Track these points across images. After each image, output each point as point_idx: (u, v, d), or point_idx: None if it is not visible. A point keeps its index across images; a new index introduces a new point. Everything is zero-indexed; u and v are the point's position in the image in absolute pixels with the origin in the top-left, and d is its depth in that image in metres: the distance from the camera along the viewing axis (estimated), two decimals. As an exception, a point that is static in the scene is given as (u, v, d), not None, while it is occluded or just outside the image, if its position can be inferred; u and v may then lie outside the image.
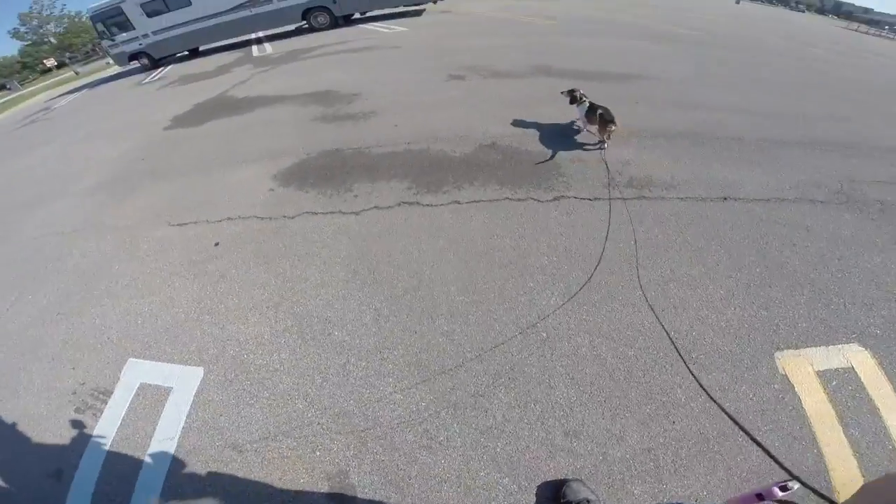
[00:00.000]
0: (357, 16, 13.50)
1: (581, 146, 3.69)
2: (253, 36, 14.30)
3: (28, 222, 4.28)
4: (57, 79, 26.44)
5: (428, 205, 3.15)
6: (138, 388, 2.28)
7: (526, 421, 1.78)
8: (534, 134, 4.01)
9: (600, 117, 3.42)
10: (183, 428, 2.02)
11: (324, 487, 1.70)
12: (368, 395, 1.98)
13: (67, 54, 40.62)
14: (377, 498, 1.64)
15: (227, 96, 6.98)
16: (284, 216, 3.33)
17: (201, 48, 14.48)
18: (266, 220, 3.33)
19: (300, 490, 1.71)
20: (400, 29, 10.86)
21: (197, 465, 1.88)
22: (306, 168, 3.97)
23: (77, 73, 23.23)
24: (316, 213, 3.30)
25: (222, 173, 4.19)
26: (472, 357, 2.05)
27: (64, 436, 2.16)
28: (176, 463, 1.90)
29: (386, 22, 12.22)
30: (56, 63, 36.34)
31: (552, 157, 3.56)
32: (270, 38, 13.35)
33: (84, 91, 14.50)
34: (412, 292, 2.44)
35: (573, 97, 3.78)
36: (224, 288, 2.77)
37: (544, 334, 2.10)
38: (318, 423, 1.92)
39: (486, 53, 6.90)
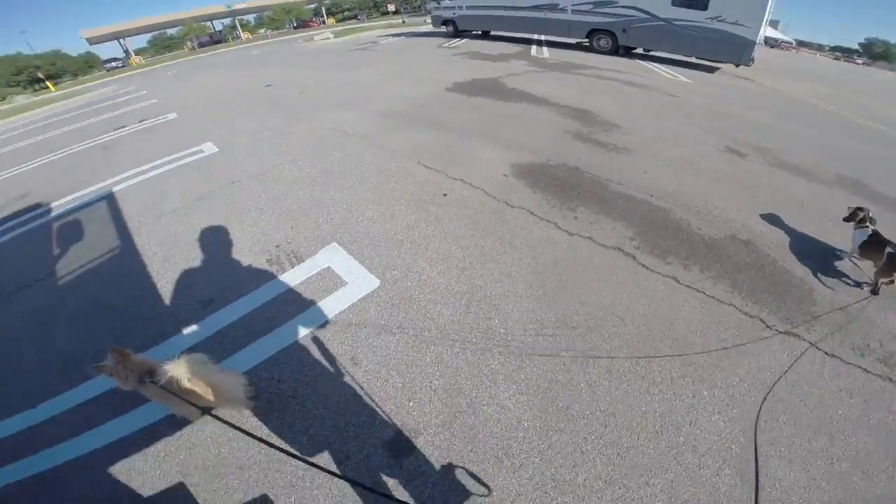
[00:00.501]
0: (640, 50, 13.12)
1: (843, 277, 2.89)
2: (535, 37, 15.38)
3: (327, 119, 5.78)
4: (390, 21, 33.51)
5: (643, 265, 2.96)
6: (324, 269, 2.90)
7: None
8: (803, 249, 3.30)
9: (888, 257, 2.56)
10: (330, 320, 2.47)
11: (392, 429, 1.85)
12: (484, 395, 2.04)
13: (404, 4, 50.78)
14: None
15: (500, 82, 7.77)
16: (507, 202, 3.58)
17: (493, 32, 16.24)
18: (490, 198, 3.64)
19: (378, 413, 1.92)
20: (683, 79, 10.13)
21: (313, 355, 2.28)
22: (543, 172, 4.16)
23: (404, 22, 29.00)
24: (534, 214, 3.45)
25: (473, 144, 4.74)
26: (594, 433, 1.89)
27: (239, 274, 2.92)
28: (297, 345, 2.35)
29: (670, 66, 11.55)
30: (394, 9, 46.44)
31: (808, 283, 2.88)
32: (550, 45, 14.16)
33: (402, 38, 18.08)
34: (584, 331, 2.37)
35: (855, 216, 2.94)
36: (433, 230, 3.20)
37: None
38: (432, 381, 2.09)
39: (779, 136, 5.91)
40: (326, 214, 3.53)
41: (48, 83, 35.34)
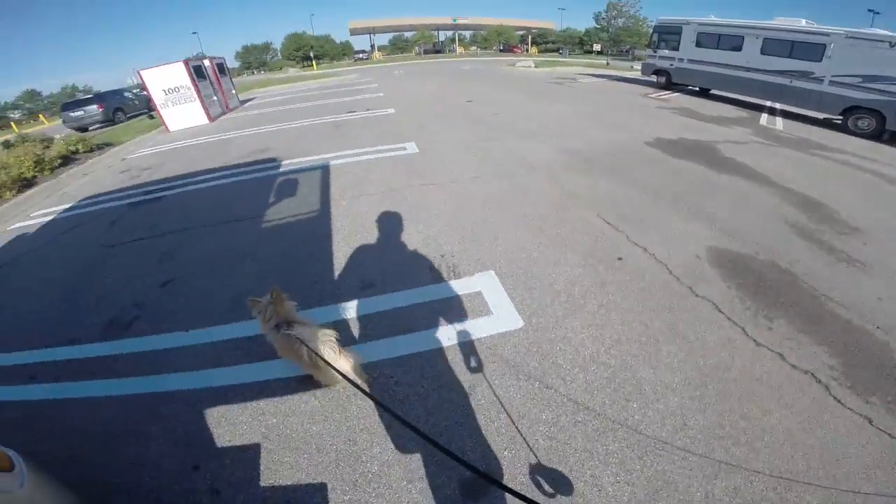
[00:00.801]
0: (920, 141, 10.05)
1: None
2: (768, 104, 13.18)
3: (516, 144, 6.09)
4: (592, 60, 33.34)
5: (835, 398, 2.17)
6: (475, 292, 2.89)
7: None
8: None
9: None
10: (463, 344, 2.44)
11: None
12: (586, 471, 1.72)
13: (612, 46, 50.00)
14: None
15: (714, 147, 6.87)
16: (691, 289, 3.08)
17: (713, 91, 14.57)
18: (673, 278, 3.19)
19: (471, 448, 1.76)
20: None
21: (436, 370, 2.30)
22: (745, 265, 3.47)
23: (608, 64, 28.51)
24: (720, 311, 2.88)
25: (667, 210, 4.25)
26: None
27: (401, 270, 3.16)
28: (425, 355, 2.38)
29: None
30: (599, 49, 46.04)
31: None
32: (786, 115, 11.95)
33: (604, 79, 17.71)
34: (730, 443, 1.84)
35: None
36: (596, 291, 2.95)
37: None
38: (538, 438, 1.83)
39: None
40: (493, 239, 3.60)
41: (313, 62, 45.22)
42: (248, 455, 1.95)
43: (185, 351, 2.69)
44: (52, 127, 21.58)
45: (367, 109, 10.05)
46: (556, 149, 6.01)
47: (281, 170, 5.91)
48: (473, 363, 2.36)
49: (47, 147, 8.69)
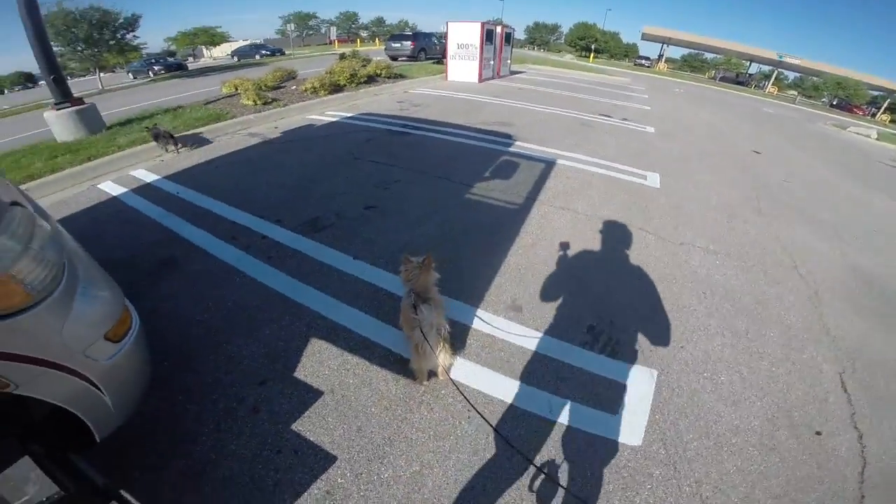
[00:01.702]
0: None
1: None
2: None
3: (794, 234, 4.27)
4: None
5: None
6: (619, 384, 2.00)
7: None
8: None
9: None
10: (576, 429, 1.78)
11: None
12: None
13: None
14: None
15: None
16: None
17: None
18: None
19: None
20: None
21: (539, 441, 1.67)
22: None
23: None
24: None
25: None
26: None
27: (558, 315, 2.55)
28: (540, 421, 1.78)
29: None
30: None
31: None
32: None
33: None
34: None
35: None
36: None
37: None
38: None
39: None
40: (681, 347, 2.58)
41: (591, 54, 44.35)
42: (307, 397, 2.00)
43: (340, 275, 2.91)
44: (371, 50, 27.12)
45: (624, 119, 9.07)
46: (846, 263, 3.93)
47: (509, 149, 5.90)
48: (587, 459, 1.75)
49: (364, 65, 10.98)
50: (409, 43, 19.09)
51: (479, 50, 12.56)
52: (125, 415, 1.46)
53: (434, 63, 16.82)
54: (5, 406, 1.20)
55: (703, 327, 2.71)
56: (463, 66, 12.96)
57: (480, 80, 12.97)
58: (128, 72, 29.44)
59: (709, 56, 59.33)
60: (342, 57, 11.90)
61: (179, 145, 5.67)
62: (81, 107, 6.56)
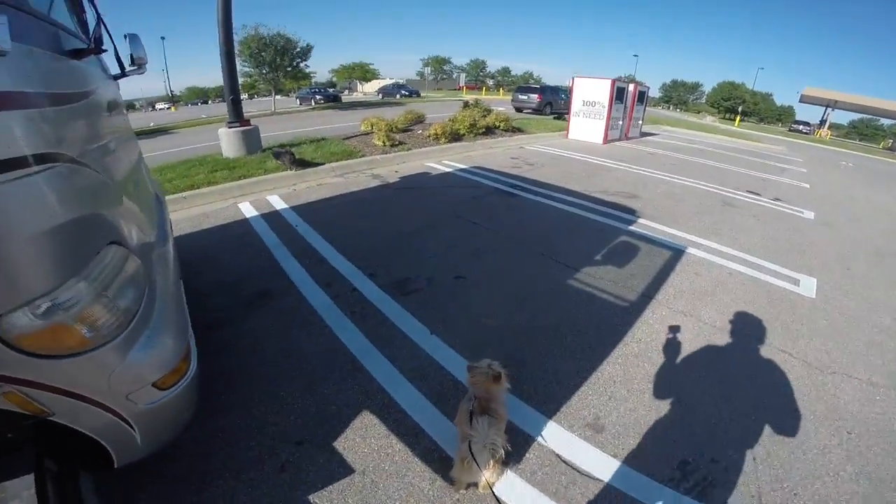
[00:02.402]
0: None
1: None
2: None
3: None
4: None
5: None
6: None
7: None
8: None
9: None
10: None
11: None
12: None
13: None
14: None
15: None
16: None
17: None
18: None
19: None
20: None
21: None
22: None
23: None
24: None
25: None
26: None
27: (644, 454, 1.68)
28: None
29: None
30: None
31: None
32: None
33: None
34: None
35: None
36: None
37: None
38: None
39: None
40: (797, 483, 1.77)
41: (738, 117, 40.00)
42: (336, 471, 1.89)
43: (412, 348, 2.74)
44: (495, 99, 28.12)
45: (776, 199, 7.50)
46: None
47: (630, 227, 5.15)
48: None
49: (484, 116, 11.22)
50: (535, 96, 19.33)
51: (606, 109, 11.88)
52: (152, 450, 1.44)
53: (555, 118, 16.59)
54: (36, 425, 1.19)
55: (834, 472, 2.01)
56: (587, 125, 12.35)
57: (605, 141, 12.15)
58: (296, 98, 35.19)
59: (885, 122, 48.94)
60: (465, 105, 12.36)
61: (294, 166, 6.66)
62: (248, 128, 7.70)
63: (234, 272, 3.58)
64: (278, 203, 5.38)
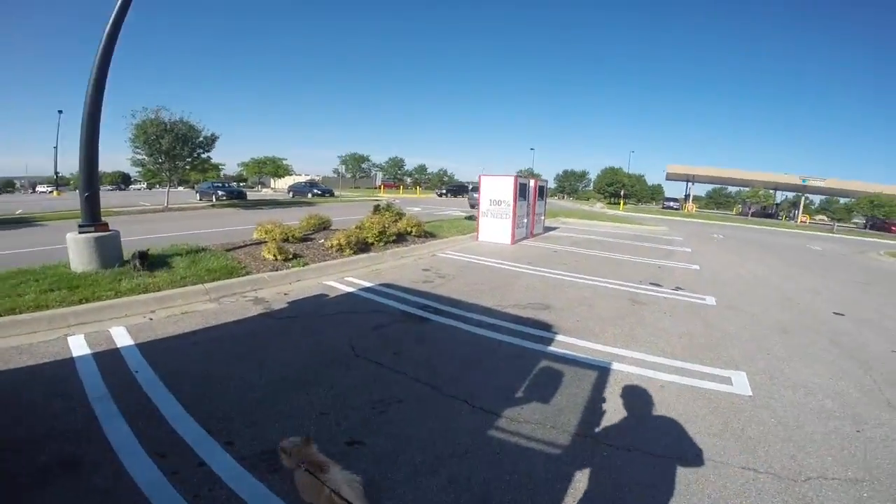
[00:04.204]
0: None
1: None
2: None
3: None
4: None
5: None
6: None
7: None
8: None
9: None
10: None
11: None
12: None
13: None
14: None
15: None
16: None
17: None
18: None
19: None
20: None
21: None
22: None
23: None
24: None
25: None
26: None
27: None
28: None
29: None
30: None
31: None
32: None
33: None
34: None
35: None
36: None
37: None
38: None
39: None
40: None
41: (621, 201, 46.30)
42: None
43: None
44: (411, 198, 29.12)
45: (677, 288, 7.89)
46: None
47: (549, 348, 4.67)
48: None
49: (395, 221, 10.97)
50: (476, 195, 20.63)
51: (511, 207, 12.23)
52: None
53: (466, 219, 17.16)
54: None
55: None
56: (495, 226, 12.56)
57: (513, 240, 12.35)
58: (196, 192, 32.71)
59: (732, 189, 60.04)
60: (376, 210, 12.13)
61: (141, 269, 6.05)
62: (104, 234, 6.33)
63: (33, 428, 2.78)
64: (122, 338, 4.34)
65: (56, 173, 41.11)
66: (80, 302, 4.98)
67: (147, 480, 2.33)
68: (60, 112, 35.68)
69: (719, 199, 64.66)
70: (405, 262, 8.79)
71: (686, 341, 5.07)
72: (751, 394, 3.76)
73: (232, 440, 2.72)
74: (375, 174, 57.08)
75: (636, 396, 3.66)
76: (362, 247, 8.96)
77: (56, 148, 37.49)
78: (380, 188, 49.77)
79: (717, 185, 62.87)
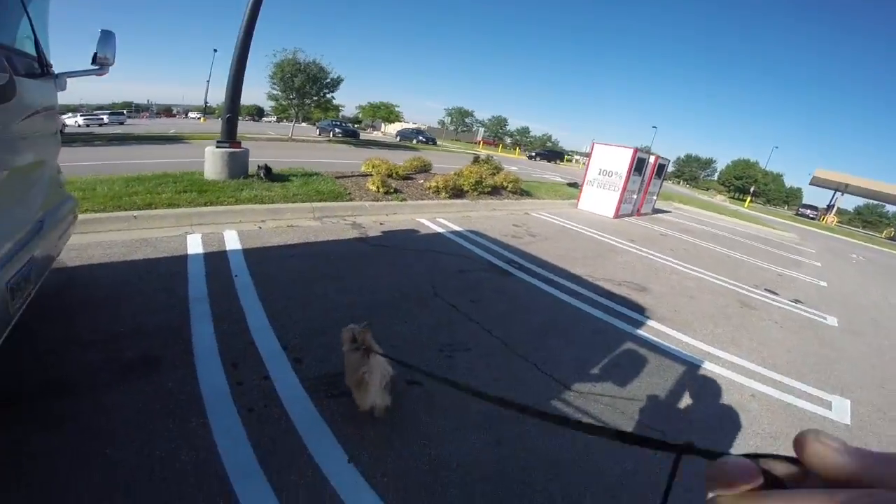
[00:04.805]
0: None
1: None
2: None
3: None
4: None
5: None
6: None
7: None
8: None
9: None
10: None
11: None
12: None
13: None
14: None
15: None
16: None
17: None
18: None
19: None
20: None
21: None
22: None
23: None
24: None
25: None
26: None
27: None
28: None
29: None
30: None
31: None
32: None
33: None
34: None
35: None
36: None
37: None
38: None
39: None
40: None
41: (748, 198, 40.00)
42: None
43: (316, 480, 1.91)
44: (510, 157, 28.16)
45: (796, 301, 6.73)
46: None
47: (637, 331, 4.33)
48: None
49: (493, 174, 10.78)
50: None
51: (623, 180, 11.29)
52: None
53: (569, 185, 16.19)
54: None
55: None
56: (600, 196, 11.74)
57: (616, 215, 11.48)
58: (317, 128, 35.75)
59: (890, 209, 48.12)
60: (475, 160, 12.00)
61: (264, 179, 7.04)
62: (236, 150, 7.23)
63: (130, 323, 2.89)
64: (233, 242, 4.75)
65: (206, 103, 48.53)
66: (206, 204, 5.50)
67: (211, 387, 2.38)
68: (216, 51, 42.72)
69: (868, 217, 52.38)
70: (497, 215, 8.69)
71: (793, 356, 4.40)
72: (849, 422, 3.26)
73: (301, 358, 2.77)
74: (477, 129, 56.13)
75: (721, 400, 3.28)
76: (457, 193, 9.01)
77: (209, 82, 44.68)
78: (479, 143, 49.00)
79: (870, 201, 50.66)
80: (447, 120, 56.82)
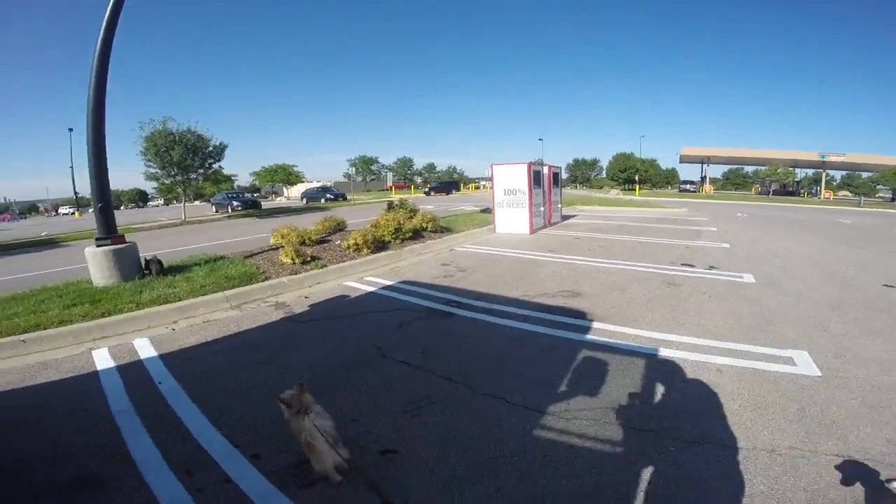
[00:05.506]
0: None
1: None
2: None
3: None
4: None
5: None
6: None
7: None
8: None
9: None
10: None
11: None
12: None
13: None
14: None
15: None
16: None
17: None
18: None
19: None
20: None
21: None
22: None
23: None
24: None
25: None
26: None
27: None
28: None
29: None
30: None
31: None
32: None
33: None
34: None
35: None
36: None
37: None
38: None
39: None
40: None
41: (637, 187, 45.20)
42: None
43: None
44: (422, 197, 28.68)
45: (711, 267, 7.48)
46: None
47: (587, 336, 4.38)
48: None
49: (410, 218, 10.75)
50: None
51: (527, 196, 11.91)
52: None
53: (481, 212, 16.84)
54: None
55: None
56: (512, 216, 12.25)
57: (532, 230, 12.00)
58: (212, 204, 32.92)
59: (748, 169, 57.81)
60: (389, 207, 11.94)
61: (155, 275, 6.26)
62: (121, 246, 6.30)
63: (55, 445, 2.70)
64: (146, 350, 4.30)
65: (76, 193, 39.61)
66: (103, 315, 4.96)
67: (170, 498, 2.19)
68: (71, 130, 32.60)
69: (736, 180, 62.48)
70: (424, 259, 8.58)
71: (733, 322, 4.71)
72: (819, 374, 3.40)
73: (258, 453, 2.53)
74: (385, 175, 56.96)
75: (693, 383, 3.34)
76: (379, 245, 8.78)
77: (72, 168, 35.45)
78: (390, 189, 49.66)
79: (733, 166, 60.81)
80: (352, 171, 56.89)
